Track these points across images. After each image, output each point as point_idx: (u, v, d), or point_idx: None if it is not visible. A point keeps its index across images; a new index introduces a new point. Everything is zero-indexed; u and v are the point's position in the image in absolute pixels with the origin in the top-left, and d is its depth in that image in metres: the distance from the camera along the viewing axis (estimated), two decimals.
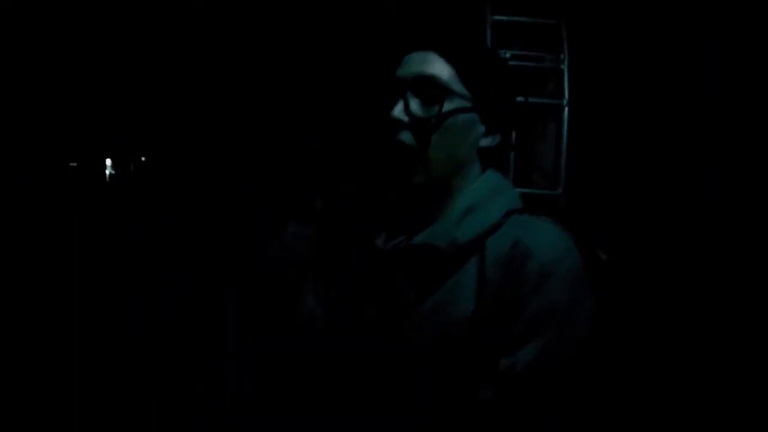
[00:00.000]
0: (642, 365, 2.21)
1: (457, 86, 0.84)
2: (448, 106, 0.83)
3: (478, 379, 0.79)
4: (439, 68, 0.84)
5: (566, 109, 2.41)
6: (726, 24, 2.31)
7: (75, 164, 2.94)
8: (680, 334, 2.25)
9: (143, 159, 3.01)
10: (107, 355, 2.38)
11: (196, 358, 1.14)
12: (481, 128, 0.86)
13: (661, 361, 2.22)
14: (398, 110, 0.83)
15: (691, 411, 2.07)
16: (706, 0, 2.31)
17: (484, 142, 0.87)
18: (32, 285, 2.54)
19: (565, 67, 2.46)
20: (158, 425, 1.97)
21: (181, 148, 2.86)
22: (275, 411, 1.02)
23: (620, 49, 2.49)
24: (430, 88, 0.84)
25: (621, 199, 2.45)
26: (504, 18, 2.46)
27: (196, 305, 1.09)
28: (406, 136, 0.83)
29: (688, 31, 2.39)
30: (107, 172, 3.06)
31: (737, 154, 2.31)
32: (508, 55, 2.42)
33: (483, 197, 0.86)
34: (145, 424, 2.07)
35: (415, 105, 0.84)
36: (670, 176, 2.40)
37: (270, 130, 2.62)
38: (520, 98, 2.55)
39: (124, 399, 2.22)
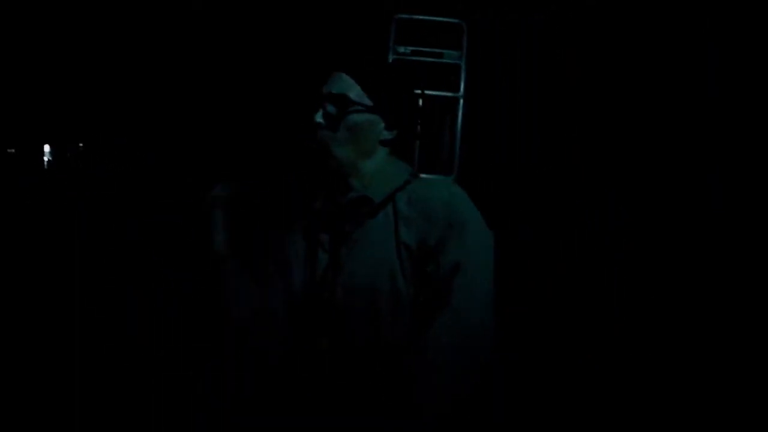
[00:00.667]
0: (623, 368, 2.43)
1: (362, 98, 1.15)
2: (351, 113, 1.14)
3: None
4: (348, 87, 1.16)
5: (461, 101, 2.65)
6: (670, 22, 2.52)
7: (13, 150, 2.93)
8: (650, 330, 2.45)
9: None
10: (106, 354, 2.44)
11: (196, 358, 1.23)
12: (382, 125, 1.17)
13: (643, 362, 2.43)
14: (318, 116, 1.15)
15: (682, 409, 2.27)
16: None
17: (385, 135, 1.18)
18: (32, 285, 2.59)
19: (462, 63, 2.69)
20: (158, 425, 2.02)
21: (180, 148, 2.89)
22: (275, 411, 1.15)
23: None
24: (340, 102, 1.15)
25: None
26: (407, 16, 2.67)
27: (196, 305, 1.19)
28: (322, 134, 1.14)
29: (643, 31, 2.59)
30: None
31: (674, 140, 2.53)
32: (408, 51, 2.64)
33: (388, 167, 1.19)
34: (145, 424, 2.14)
35: (329, 113, 1.15)
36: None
37: (268, 127, 2.71)
38: (416, 91, 2.77)
39: (123, 399, 2.29)
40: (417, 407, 1.08)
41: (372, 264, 1.14)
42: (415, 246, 1.13)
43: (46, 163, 3.01)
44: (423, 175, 2.76)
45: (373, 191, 1.15)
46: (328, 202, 1.16)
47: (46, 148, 3.00)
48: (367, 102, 1.16)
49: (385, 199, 1.15)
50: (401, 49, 2.64)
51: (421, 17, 2.71)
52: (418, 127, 2.91)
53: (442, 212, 1.14)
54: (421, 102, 2.76)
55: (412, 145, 2.88)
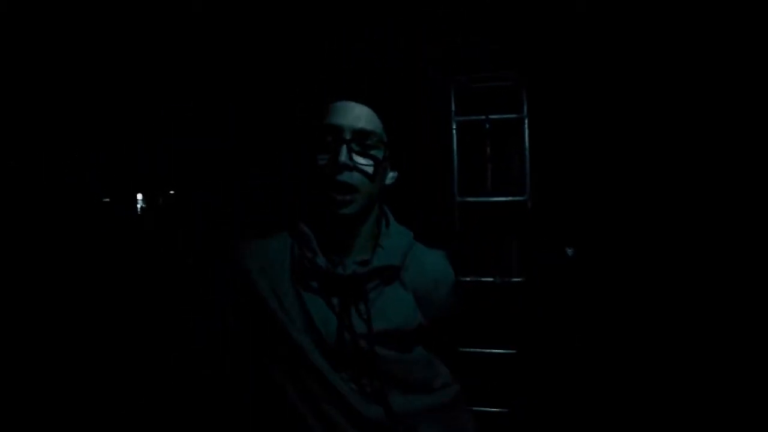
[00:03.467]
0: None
1: (383, 136, 1.11)
2: (381, 155, 1.11)
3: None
4: (375, 123, 1.10)
5: (526, 121, 2.69)
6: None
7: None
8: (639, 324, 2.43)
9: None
10: (112, 356, 2.46)
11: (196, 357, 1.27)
12: (387, 171, 1.16)
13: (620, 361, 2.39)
14: (344, 156, 1.05)
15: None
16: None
17: (389, 180, 1.18)
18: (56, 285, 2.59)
19: (523, 86, 2.74)
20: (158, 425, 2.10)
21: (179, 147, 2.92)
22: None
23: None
24: (369, 140, 1.08)
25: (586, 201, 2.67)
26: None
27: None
28: (348, 177, 1.06)
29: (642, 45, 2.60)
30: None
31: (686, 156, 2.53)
32: (468, 78, 2.72)
33: (399, 236, 1.20)
34: (145, 424, 2.12)
35: (356, 154, 1.08)
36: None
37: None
38: (483, 116, 2.84)
39: (123, 398, 2.30)
40: None
41: (394, 319, 1.13)
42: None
43: (139, 210, 3.08)
44: (493, 198, 2.83)
45: (394, 257, 1.15)
46: (355, 266, 1.13)
47: (139, 196, 3.07)
48: (385, 138, 1.12)
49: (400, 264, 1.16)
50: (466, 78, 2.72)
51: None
52: (488, 149, 2.98)
53: (432, 287, 1.19)
54: (487, 126, 2.85)
55: (484, 168, 2.94)
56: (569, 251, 2.59)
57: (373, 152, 1.09)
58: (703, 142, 2.49)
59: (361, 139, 1.08)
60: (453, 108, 2.73)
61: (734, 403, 2.19)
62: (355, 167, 1.07)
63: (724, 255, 2.39)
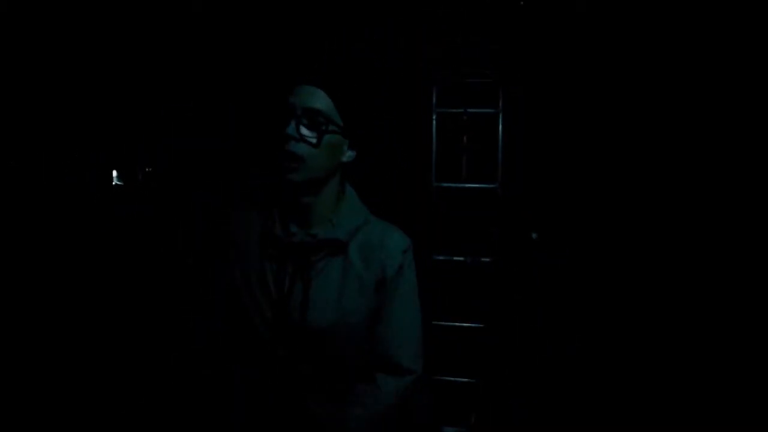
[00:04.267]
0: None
1: (335, 116, 1.22)
2: (330, 131, 1.21)
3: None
4: (324, 103, 1.21)
5: (500, 116, 2.91)
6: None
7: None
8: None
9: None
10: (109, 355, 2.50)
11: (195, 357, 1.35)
12: (346, 147, 1.27)
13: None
14: (291, 128, 1.18)
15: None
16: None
17: (346, 158, 1.28)
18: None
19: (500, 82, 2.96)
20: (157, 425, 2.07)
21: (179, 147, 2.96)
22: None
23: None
24: (315, 117, 1.20)
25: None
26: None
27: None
28: (294, 147, 1.18)
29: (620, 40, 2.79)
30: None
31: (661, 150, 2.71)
32: (449, 73, 2.93)
33: (350, 213, 1.31)
34: (145, 424, 2.20)
35: (303, 127, 1.19)
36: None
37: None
38: (461, 109, 3.05)
39: (123, 399, 2.36)
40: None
41: (335, 291, 1.25)
42: (365, 278, 1.27)
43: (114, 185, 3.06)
44: (467, 185, 3.03)
45: (342, 232, 1.27)
46: (307, 236, 1.25)
47: (114, 173, 3.06)
48: (338, 120, 1.22)
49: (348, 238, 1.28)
50: (447, 72, 2.92)
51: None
52: (465, 140, 3.19)
53: (385, 258, 1.28)
54: (465, 117, 3.06)
55: (460, 159, 3.15)
56: (534, 235, 2.83)
57: (322, 128, 1.20)
58: (669, 136, 2.68)
59: (311, 116, 1.19)
60: (434, 101, 2.94)
61: (713, 376, 2.36)
62: (301, 138, 1.18)
63: (688, 232, 2.58)
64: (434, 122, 2.96)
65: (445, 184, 2.93)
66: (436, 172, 2.96)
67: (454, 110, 2.97)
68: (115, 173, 3.04)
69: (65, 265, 2.67)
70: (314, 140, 1.19)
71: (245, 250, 1.30)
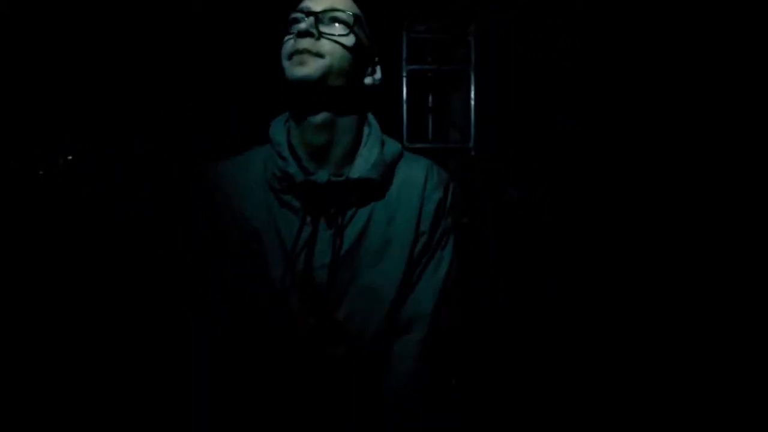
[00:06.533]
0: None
1: (361, 22, 1.00)
2: (358, 31, 0.98)
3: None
4: (350, 4, 1.01)
5: (473, 74, 2.84)
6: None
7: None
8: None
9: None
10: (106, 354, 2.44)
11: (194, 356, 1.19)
12: (368, 67, 1.03)
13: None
14: (308, 24, 0.95)
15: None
16: None
17: (368, 80, 1.03)
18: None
19: (472, 38, 2.87)
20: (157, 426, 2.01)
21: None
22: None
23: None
24: (340, 13, 0.97)
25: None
26: None
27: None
28: (310, 44, 0.94)
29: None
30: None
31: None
32: (422, 28, 2.81)
33: (381, 141, 1.05)
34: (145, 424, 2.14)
35: (324, 25, 0.96)
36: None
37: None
38: (433, 66, 2.94)
39: (122, 399, 2.29)
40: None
41: (378, 245, 1.02)
42: (405, 226, 1.04)
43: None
44: (437, 144, 2.96)
45: (375, 170, 1.01)
46: (332, 175, 0.99)
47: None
48: (366, 29, 1.02)
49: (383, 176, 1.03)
50: (418, 27, 2.80)
51: None
52: (430, 98, 3.10)
53: (429, 192, 1.05)
54: (429, 74, 2.96)
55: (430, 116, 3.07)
56: (513, 193, 2.80)
57: (346, 25, 0.98)
58: (641, 88, 2.71)
59: (333, 14, 0.97)
60: (404, 56, 2.82)
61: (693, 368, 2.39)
62: (321, 35, 0.96)
63: (658, 201, 2.64)
64: (404, 80, 2.85)
65: (418, 145, 2.85)
66: (408, 131, 2.87)
67: (427, 67, 2.87)
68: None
69: (65, 265, 2.59)
70: (344, 39, 0.96)
71: (244, 203, 1.03)
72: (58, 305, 2.50)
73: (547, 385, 2.44)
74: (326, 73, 0.95)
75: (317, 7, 0.97)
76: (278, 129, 1.04)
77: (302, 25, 0.95)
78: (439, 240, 1.06)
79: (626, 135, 2.71)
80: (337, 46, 0.96)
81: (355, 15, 0.98)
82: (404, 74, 2.83)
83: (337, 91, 0.97)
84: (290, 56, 0.95)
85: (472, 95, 2.84)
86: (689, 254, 2.54)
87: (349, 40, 0.97)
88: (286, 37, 0.98)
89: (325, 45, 0.95)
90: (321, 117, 0.98)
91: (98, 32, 2.73)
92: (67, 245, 2.62)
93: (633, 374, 2.43)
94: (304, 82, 0.94)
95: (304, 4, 0.99)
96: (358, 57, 0.99)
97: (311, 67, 0.94)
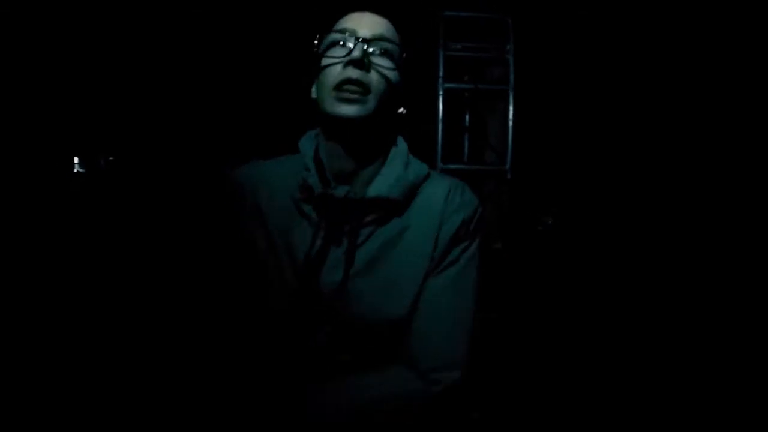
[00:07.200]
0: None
1: (403, 56, 0.98)
2: (401, 65, 0.97)
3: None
4: (393, 34, 0.97)
5: (511, 94, 2.74)
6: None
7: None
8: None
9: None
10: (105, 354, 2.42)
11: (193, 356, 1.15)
12: (402, 98, 1.00)
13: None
14: (359, 51, 0.92)
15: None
16: None
17: (401, 110, 1.01)
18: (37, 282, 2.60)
19: (510, 56, 2.77)
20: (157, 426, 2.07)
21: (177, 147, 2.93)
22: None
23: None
24: (389, 45, 0.95)
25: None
26: (455, 14, 2.76)
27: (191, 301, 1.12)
28: (361, 75, 0.92)
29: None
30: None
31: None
32: (459, 46, 2.73)
33: (404, 166, 1.01)
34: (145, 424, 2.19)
35: (374, 55, 0.94)
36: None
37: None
38: (470, 84, 2.86)
39: (121, 399, 2.23)
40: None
41: (391, 266, 0.97)
42: (424, 247, 0.98)
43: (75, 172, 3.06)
44: (472, 166, 2.87)
45: (397, 189, 0.97)
46: (352, 192, 0.96)
47: (75, 159, 3.00)
48: (404, 55, 0.98)
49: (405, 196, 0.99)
50: (454, 45, 2.73)
51: (468, 14, 2.79)
52: (467, 118, 3.02)
53: (449, 213, 0.99)
54: (466, 94, 2.88)
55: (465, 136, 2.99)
56: (548, 221, 2.69)
57: (393, 59, 0.95)
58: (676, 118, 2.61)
59: (383, 45, 0.95)
60: (441, 74, 2.74)
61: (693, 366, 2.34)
62: (371, 66, 0.93)
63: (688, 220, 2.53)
64: (440, 98, 2.77)
65: (452, 166, 2.76)
66: (442, 152, 2.78)
67: (464, 86, 2.78)
68: (76, 160, 2.95)
69: (65, 265, 2.60)
70: (391, 73, 0.94)
71: (270, 204, 1.01)
72: (77, 305, 2.52)
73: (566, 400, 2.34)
74: (369, 115, 0.93)
75: (366, 32, 0.95)
76: (308, 140, 1.04)
77: (355, 53, 0.92)
78: (460, 264, 0.99)
79: (675, 163, 2.59)
80: (383, 81, 0.94)
81: (400, 47, 0.97)
82: (440, 93, 2.75)
83: (371, 124, 0.95)
84: (338, 86, 0.92)
85: (510, 116, 2.74)
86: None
87: (395, 76, 0.96)
88: (330, 60, 0.94)
89: (373, 78, 0.93)
90: (350, 145, 0.97)
91: (129, 39, 2.78)
92: (91, 245, 2.65)
93: (633, 374, 2.38)
94: (345, 121, 0.93)
95: (348, 25, 0.96)
96: (399, 89, 0.98)
97: (356, 109, 0.92)
